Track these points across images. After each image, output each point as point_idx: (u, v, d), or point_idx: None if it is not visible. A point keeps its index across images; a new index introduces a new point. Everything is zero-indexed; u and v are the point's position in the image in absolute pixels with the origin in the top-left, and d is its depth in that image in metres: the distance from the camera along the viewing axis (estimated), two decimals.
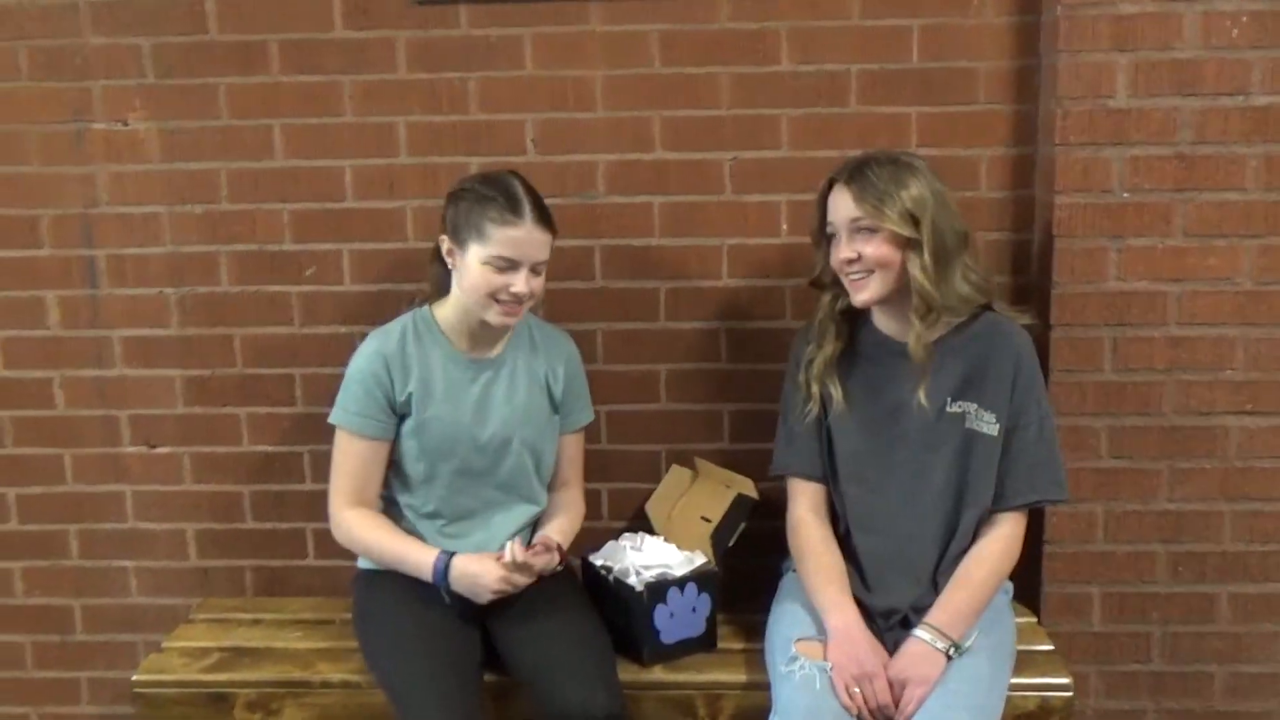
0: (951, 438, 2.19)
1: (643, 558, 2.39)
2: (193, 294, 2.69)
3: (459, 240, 2.23)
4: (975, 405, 2.18)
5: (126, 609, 2.85)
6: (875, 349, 2.24)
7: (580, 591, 2.39)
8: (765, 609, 2.32)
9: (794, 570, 2.32)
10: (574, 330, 2.63)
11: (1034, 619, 2.56)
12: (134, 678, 2.41)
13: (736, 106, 2.57)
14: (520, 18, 2.56)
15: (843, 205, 2.15)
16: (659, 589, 2.31)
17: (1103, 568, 2.56)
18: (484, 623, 2.33)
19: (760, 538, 2.45)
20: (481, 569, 2.23)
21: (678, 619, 2.35)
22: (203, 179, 2.65)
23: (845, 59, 2.54)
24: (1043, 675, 2.31)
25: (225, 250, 2.68)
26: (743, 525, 2.48)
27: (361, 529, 2.33)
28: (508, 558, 2.22)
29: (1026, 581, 2.54)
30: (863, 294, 2.17)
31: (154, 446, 2.77)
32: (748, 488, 2.48)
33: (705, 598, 2.37)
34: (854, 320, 2.28)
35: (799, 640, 2.14)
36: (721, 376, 2.69)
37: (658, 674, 2.33)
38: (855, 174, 2.14)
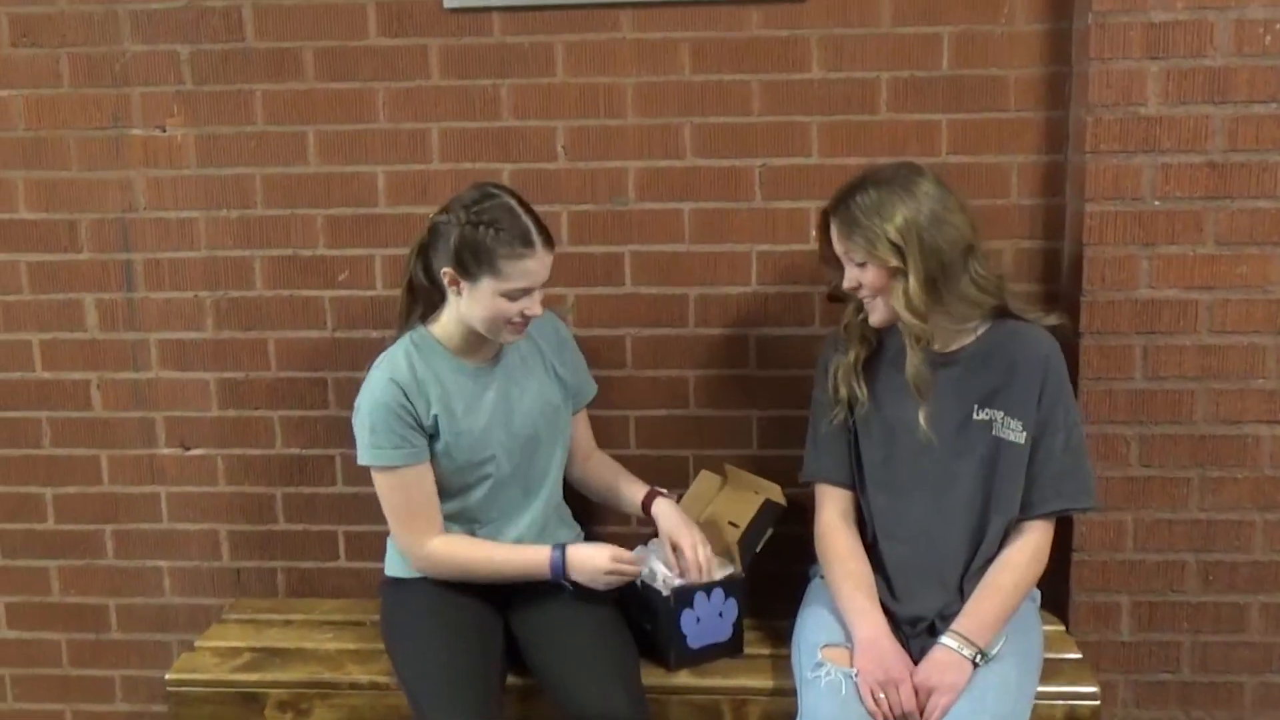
0: (978, 445, 2.19)
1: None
2: (227, 298, 2.73)
3: (468, 274, 2.19)
4: (1002, 413, 2.17)
5: (160, 609, 2.88)
6: (901, 355, 2.24)
7: (606, 595, 2.39)
8: (793, 614, 2.32)
9: (822, 576, 2.33)
10: (604, 335, 2.66)
11: (1062, 628, 2.55)
12: (167, 676, 2.44)
13: (767, 113, 2.58)
14: (552, 25, 2.57)
15: (834, 238, 2.17)
16: (686, 594, 2.32)
17: (1132, 577, 2.55)
18: (509, 625, 2.35)
19: (789, 543, 2.45)
20: (592, 550, 2.27)
21: (704, 624, 2.35)
22: (238, 184, 2.68)
23: (875, 66, 2.55)
24: (1071, 684, 2.31)
25: (260, 255, 2.71)
26: (770, 531, 2.47)
27: (459, 552, 2.32)
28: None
29: (1055, 590, 2.54)
30: (874, 316, 2.18)
31: (188, 448, 2.80)
32: (775, 494, 2.48)
33: (732, 603, 2.37)
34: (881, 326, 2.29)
35: (825, 646, 2.14)
36: (750, 382, 2.70)
37: (684, 679, 2.34)
38: (840, 207, 2.15)
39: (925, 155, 2.54)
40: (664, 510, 2.41)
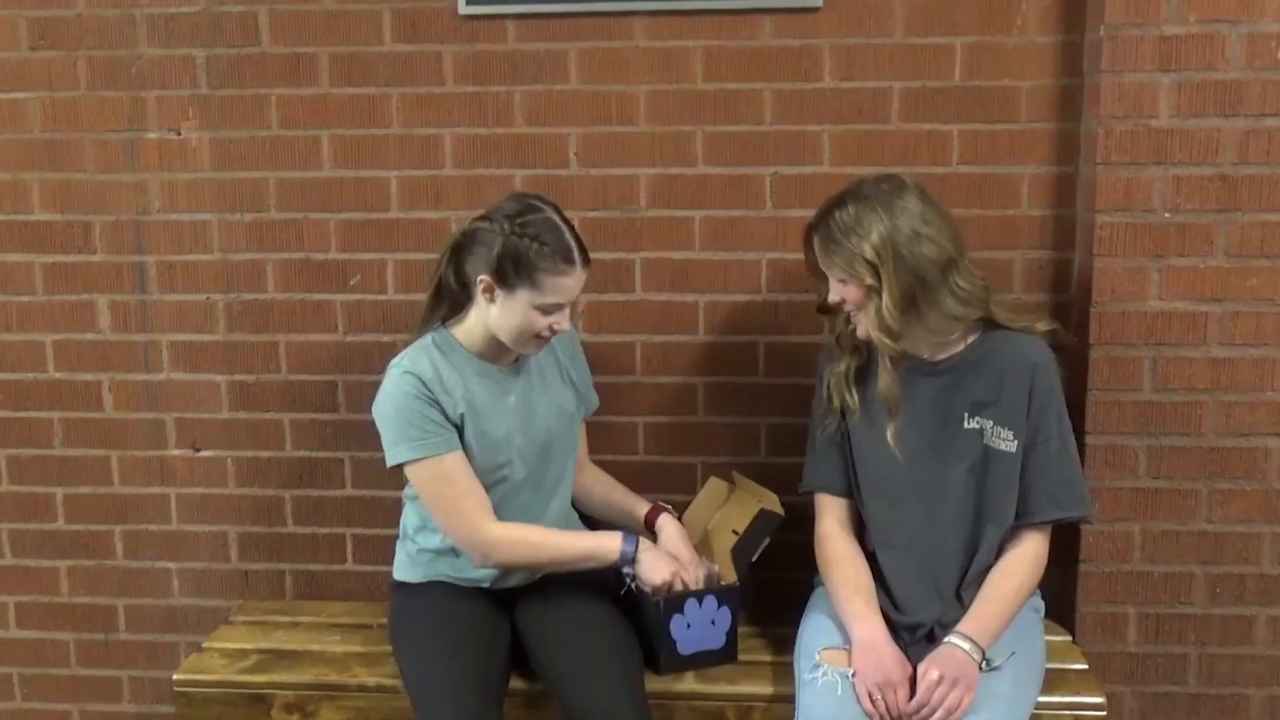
0: (969, 454, 2.19)
1: None
2: (239, 300, 2.74)
3: (505, 283, 2.19)
4: (992, 422, 2.18)
5: (168, 609, 2.89)
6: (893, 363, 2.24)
7: (612, 600, 2.40)
8: (795, 622, 2.32)
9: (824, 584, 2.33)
10: (613, 342, 2.67)
11: (1069, 638, 2.54)
12: (174, 677, 2.45)
13: (778, 122, 2.59)
14: (566, 32, 2.59)
15: (817, 254, 2.19)
16: (676, 600, 2.32)
17: (1139, 588, 2.54)
18: (515, 628, 2.35)
19: (792, 551, 2.45)
20: (660, 564, 2.29)
21: (695, 630, 2.35)
22: (252, 188, 2.70)
23: (888, 76, 2.56)
24: (1076, 695, 2.31)
25: (272, 258, 2.72)
26: (767, 540, 2.47)
27: (529, 538, 2.31)
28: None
29: (1062, 600, 2.54)
30: (860, 329, 2.18)
31: (199, 450, 2.81)
32: (773, 503, 2.48)
33: (726, 611, 2.37)
34: None
35: (824, 649, 2.15)
36: (759, 390, 2.70)
37: (688, 684, 2.34)
38: (821, 224, 2.16)
39: (936, 165, 2.56)
40: (667, 529, 2.43)
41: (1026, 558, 2.19)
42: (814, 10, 2.54)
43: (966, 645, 2.07)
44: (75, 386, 2.81)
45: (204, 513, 2.84)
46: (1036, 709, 2.16)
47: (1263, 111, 2.37)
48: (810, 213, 2.20)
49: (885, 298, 2.09)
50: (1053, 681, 2.27)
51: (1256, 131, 2.38)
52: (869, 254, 2.08)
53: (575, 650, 2.23)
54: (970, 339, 2.22)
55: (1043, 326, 2.23)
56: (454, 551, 2.36)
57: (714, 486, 2.62)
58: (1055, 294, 2.61)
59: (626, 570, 2.30)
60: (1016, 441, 2.17)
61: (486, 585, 2.37)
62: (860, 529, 2.31)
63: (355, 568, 2.84)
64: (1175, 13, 2.35)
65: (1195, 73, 2.37)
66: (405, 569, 2.44)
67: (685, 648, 2.36)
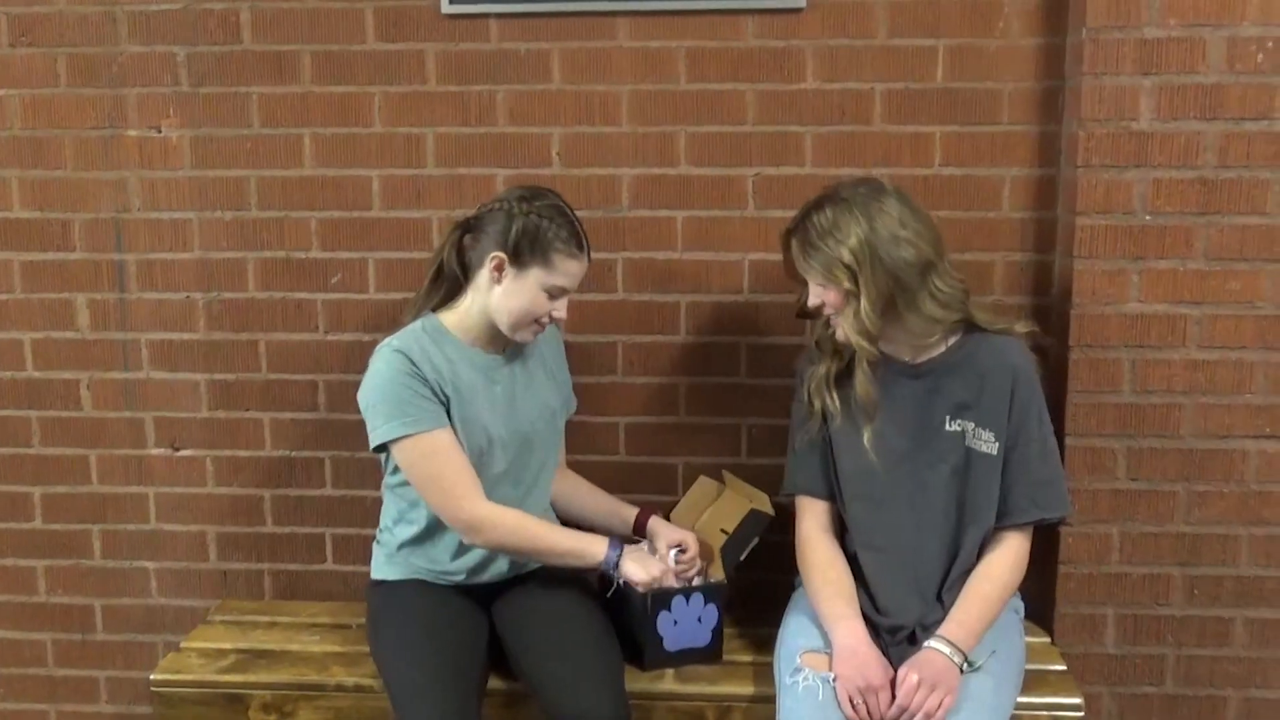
0: (951, 456, 2.20)
1: None
2: (220, 299, 2.73)
3: (520, 261, 2.23)
4: (973, 424, 2.19)
5: (147, 609, 2.88)
6: (873, 369, 2.24)
7: (590, 598, 2.41)
8: (776, 624, 2.33)
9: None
10: (595, 342, 2.66)
11: (1047, 639, 2.55)
12: (151, 677, 2.44)
13: (761, 123, 2.59)
14: (549, 32, 2.59)
15: (795, 259, 2.20)
16: (664, 596, 2.32)
17: (1118, 589, 2.55)
18: (494, 628, 2.35)
19: (775, 552, 2.45)
20: (642, 569, 2.29)
21: (682, 627, 2.36)
22: (233, 186, 2.68)
23: (870, 78, 2.56)
24: (1055, 695, 2.32)
25: (253, 257, 2.71)
26: (755, 540, 2.48)
27: (519, 522, 2.29)
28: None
29: (1040, 601, 2.55)
30: (839, 332, 2.18)
31: (178, 449, 2.80)
32: (763, 503, 2.48)
33: (712, 609, 2.38)
34: None
35: (805, 652, 2.15)
36: (741, 391, 2.71)
37: (668, 684, 2.34)
38: (799, 229, 2.17)
39: (918, 167, 2.56)
40: (662, 523, 2.46)
41: (1007, 559, 2.20)
42: (797, 11, 2.54)
43: (946, 649, 2.08)
44: (54, 385, 2.79)
45: (183, 512, 2.83)
46: (1015, 710, 2.16)
47: (1242, 115, 2.39)
48: (793, 214, 2.20)
49: (864, 301, 2.09)
50: (1031, 682, 2.27)
51: (1236, 135, 2.39)
52: (847, 258, 2.09)
53: (554, 649, 2.23)
54: (951, 341, 2.22)
55: (1022, 328, 2.24)
56: (431, 540, 2.36)
57: (703, 485, 2.62)
58: (1036, 296, 2.62)
59: (611, 572, 2.30)
60: (997, 443, 2.18)
61: (462, 579, 2.37)
62: (841, 531, 2.32)
63: (335, 568, 2.83)
64: (1156, 16, 2.36)
65: (1176, 76, 2.38)
66: (383, 567, 2.43)
67: (671, 644, 2.36)
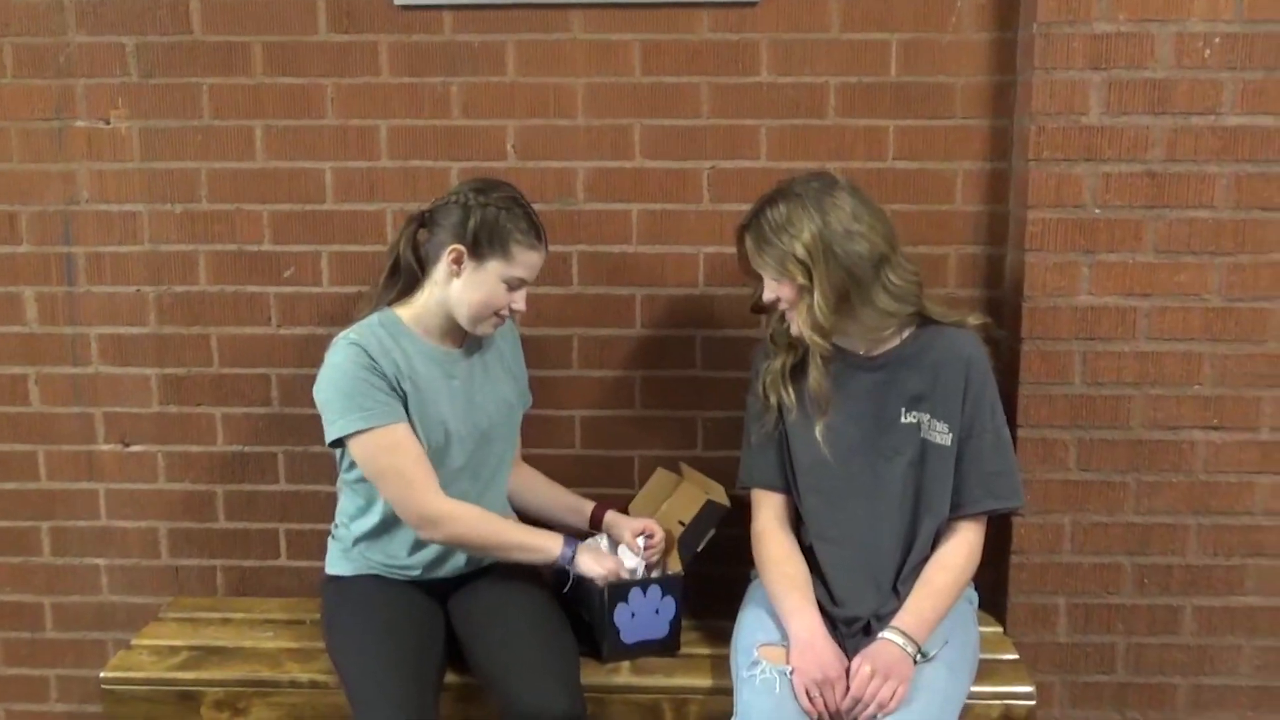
0: (907, 447, 2.22)
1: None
2: (170, 293, 2.70)
3: (479, 254, 2.23)
4: (928, 416, 2.21)
5: (97, 607, 2.85)
6: (827, 363, 2.25)
7: (545, 592, 2.40)
8: (732, 616, 2.33)
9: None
10: (550, 335, 2.66)
11: (1000, 629, 2.58)
12: (102, 675, 2.41)
13: (716, 116, 2.60)
14: (503, 24, 2.58)
15: (749, 254, 2.20)
16: (621, 588, 2.33)
17: (1069, 579, 2.58)
18: (450, 622, 2.34)
19: (731, 544, 2.45)
20: (597, 564, 2.31)
21: (639, 620, 2.36)
22: (183, 178, 2.65)
23: (824, 71, 2.57)
24: (1007, 684, 2.33)
25: (204, 250, 2.68)
26: (712, 532, 2.49)
27: (476, 518, 2.29)
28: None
29: (993, 591, 2.57)
30: (793, 327, 2.19)
31: (128, 444, 2.77)
32: (720, 494, 2.49)
33: (670, 601, 2.38)
34: None
35: (762, 645, 2.15)
36: (696, 383, 2.71)
37: (625, 677, 2.34)
38: (752, 224, 2.18)
39: (872, 160, 2.58)
40: (621, 515, 2.49)
41: (961, 550, 2.21)
42: (751, 5, 2.55)
43: (900, 640, 2.09)
44: (1, 381, 2.75)
45: (134, 508, 2.80)
46: (968, 699, 2.18)
47: (1190, 110, 2.42)
48: (748, 207, 2.21)
49: (817, 296, 2.10)
50: (984, 672, 2.29)
51: (1184, 129, 2.42)
52: (800, 253, 2.10)
53: (510, 643, 2.22)
54: (905, 334, 2.24)
55: (975, 321, 2.26)
56: (388, 535, 2.35)
57: (661, 477, 2.63)
58: (988, 289, 2.64)
59: (567, 567, 2.30)
60: (951, 434, 2.19)
61: (419, 574, 2.36)
62: (797, 523, 2.33)
63: (289, 563, 2.81)
64: (1106, 11, 2.39)
65: (1125, 71, 2.41)
66: (338, 562, 2.42)
67: (629, 636, 2.36)
